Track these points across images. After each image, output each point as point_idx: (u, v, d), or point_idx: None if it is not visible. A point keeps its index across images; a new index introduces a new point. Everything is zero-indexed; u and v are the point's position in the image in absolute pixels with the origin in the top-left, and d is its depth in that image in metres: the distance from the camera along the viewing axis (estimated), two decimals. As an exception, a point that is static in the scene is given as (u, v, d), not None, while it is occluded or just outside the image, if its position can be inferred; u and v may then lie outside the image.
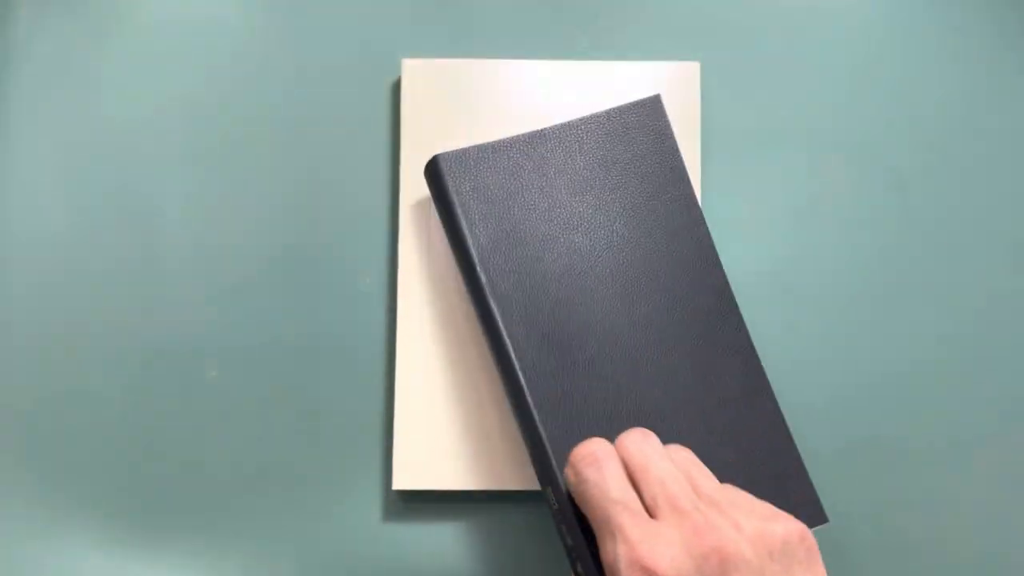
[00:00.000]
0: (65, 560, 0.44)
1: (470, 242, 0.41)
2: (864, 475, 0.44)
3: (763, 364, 0.42)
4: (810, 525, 0.40)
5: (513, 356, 0.40)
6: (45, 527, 0.44)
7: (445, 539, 0.44)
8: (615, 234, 0.42)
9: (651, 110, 0.43)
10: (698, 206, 0.43)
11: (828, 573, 0.41)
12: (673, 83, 0.45)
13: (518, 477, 0.43)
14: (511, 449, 0.43)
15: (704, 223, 0.42)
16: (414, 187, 0.44)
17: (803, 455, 0.44)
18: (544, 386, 0.39)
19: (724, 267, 0.44)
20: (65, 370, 0.45)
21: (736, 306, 0.42)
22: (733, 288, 0.43)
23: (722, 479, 0.39)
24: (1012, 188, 0.46)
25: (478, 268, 0.41)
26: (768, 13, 0.47)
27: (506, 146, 0.42)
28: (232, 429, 0.45)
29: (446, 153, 0.42)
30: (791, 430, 0.44)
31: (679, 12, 0.47)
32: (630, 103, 0.43)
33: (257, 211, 0.46)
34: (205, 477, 0.44)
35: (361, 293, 0.45)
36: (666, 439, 0.39)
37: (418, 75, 0.45)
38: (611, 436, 0.39)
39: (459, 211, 0.41)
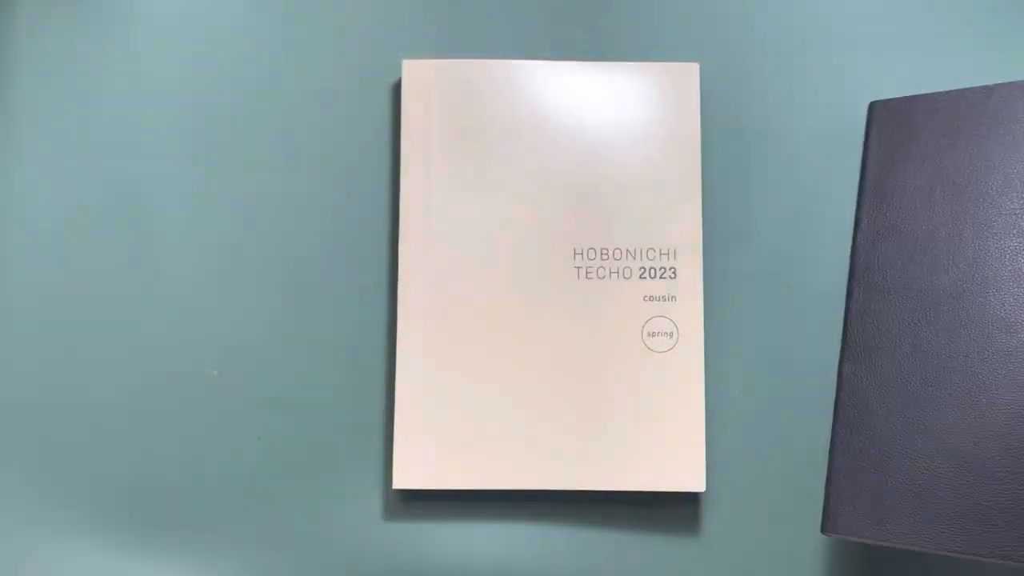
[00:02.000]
0: (65, 559, 0.44)
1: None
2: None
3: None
4: None
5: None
6: (44, 526, 0.44)
7: (446, 538, 0.44)
8: None
9: None
10: None
11: None
12: (673, 83, 0.45)
13: (519, 476, 0.43)
14: (511, 448, 0.43)
15: None
16: (414, 187, 0.44)
17: (803, 457, 0.44)
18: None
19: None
20: (64, 369, 0.45)
21: None
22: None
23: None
24: (1011, 188, 0.47)
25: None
26: (767, 14, 0.47)
27: (949, 99, 0.38)
28: (232, 429, 0.45)
29: (883, 101, 0.39)
30: (792, 432, 0.44)
31: (679, 13, 0.47)
32: None
33: (257, 211, 0.46)
34: (205, 477, 0.44)
35: (361, 293, 0.45)
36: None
37: (418, 75, 0.45)
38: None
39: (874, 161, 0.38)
